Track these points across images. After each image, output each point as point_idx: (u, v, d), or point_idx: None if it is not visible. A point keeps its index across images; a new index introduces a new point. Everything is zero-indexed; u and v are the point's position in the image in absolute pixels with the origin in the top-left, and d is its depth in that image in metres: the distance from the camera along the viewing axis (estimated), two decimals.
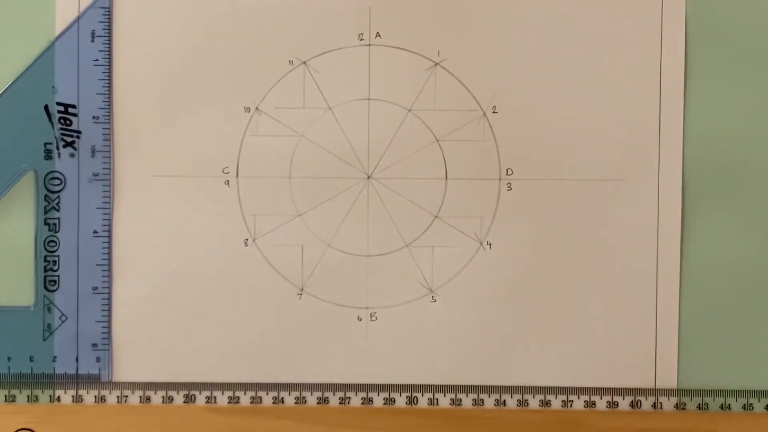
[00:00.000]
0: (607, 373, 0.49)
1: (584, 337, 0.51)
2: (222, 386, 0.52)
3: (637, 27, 0.51)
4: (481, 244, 0.52)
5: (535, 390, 0.52)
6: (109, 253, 0.51)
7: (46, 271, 0.51)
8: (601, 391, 0.52)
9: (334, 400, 0.52)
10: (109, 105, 0.51)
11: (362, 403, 0.52)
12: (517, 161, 0.51)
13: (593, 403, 0.52)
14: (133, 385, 0.52)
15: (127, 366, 0.52)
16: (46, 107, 0.51)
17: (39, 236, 0.51)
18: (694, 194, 0.51)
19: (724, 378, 0.52)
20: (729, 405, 0.51)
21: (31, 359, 0.51)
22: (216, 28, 0.51)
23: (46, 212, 0.51)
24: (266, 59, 0.51)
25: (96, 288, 0.51)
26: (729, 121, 0.51)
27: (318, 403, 0.52)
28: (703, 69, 0.51)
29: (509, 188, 0.52)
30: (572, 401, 0.52)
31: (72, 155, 0.51)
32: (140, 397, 0.52)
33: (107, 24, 0.51)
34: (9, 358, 0.51)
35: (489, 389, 0.52)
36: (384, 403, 0.52)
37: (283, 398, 0.52)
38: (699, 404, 0.51)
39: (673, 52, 0.51)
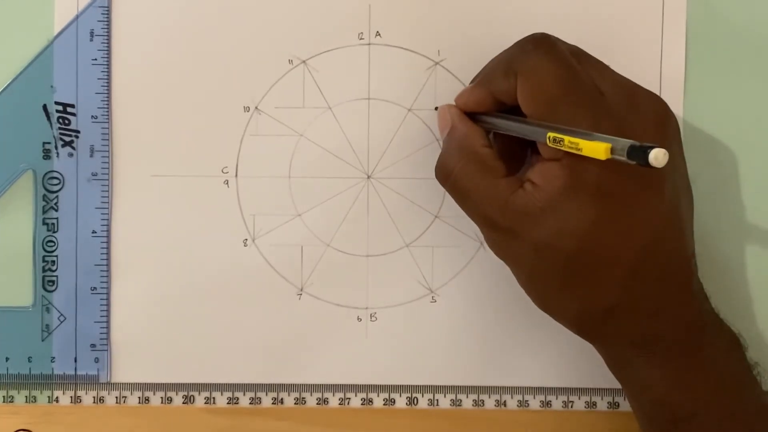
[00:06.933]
0: (607, 373, 0.49)
1: None
2: (221, 387, 0.52)
3: (638, 27, 0.51)
4: (481, 244, 0.51)
5: (535, 390, 0.52)
6: (108, 253, 0.51)
7: (44, 271, 0.51)
8: (602, 391, 0.52)
9: (333, 400, 0.52)
10: (108, 104, 0.51)
11: (362, 404, 0.52)
12: None
13: (594, 404, 0.52)
14: (132, 386, 0.52)
15: (126, 366, 0.52)
16: (44, 106, 0.50)
17: (37, 236, 0.51)
18: (695, 195, 0.51)
19: None
20: None
21: (29, 360, 0.51)
22: (215, 27, 0.51)
23: (44, 212, 0.51)
24: (266, 59, 0.51)
25: (95, 288, 0.51)
26: (729, 121, 0.51)
27: (318, 403, 0.52)
28: (703, 69, 0.51)
29: None
30: (573, 401, 0.52)
31: (71, 155, 0.51)
32: (139, 397, 0.52)
33: (106, 23, 0.51)
34: (7, 359, 0.51)
35: (489, 390, 0.52)
36: (384, 404, 0.52)
37: (282, 399, 0.52)
38: None
39: (673, 52, 0.51)
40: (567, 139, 0.41)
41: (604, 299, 0.44)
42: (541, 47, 0.44)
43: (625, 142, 0.38)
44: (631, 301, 0.44)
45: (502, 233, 0.44)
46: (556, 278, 0.44)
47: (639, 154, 0.37)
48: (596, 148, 0.39)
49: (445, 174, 0.46)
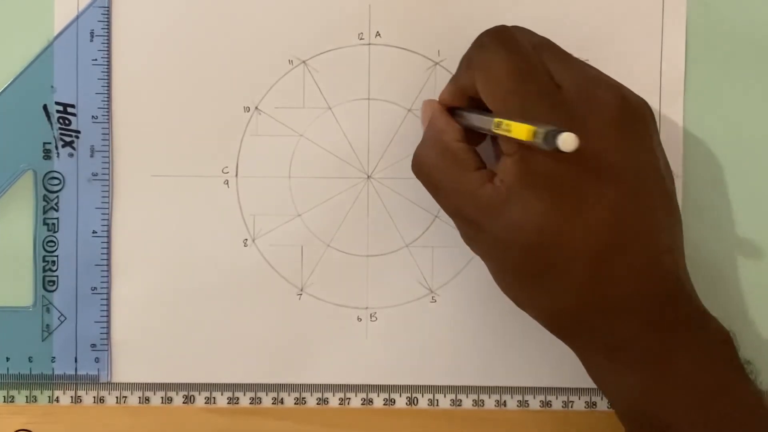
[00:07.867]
0: None
1: None
2: (221, 387, 0.52)
3: (638, 27, 0.51)
4: None
5: (535, 390, 0.52)
6: (108, 254, 0.51)
7: (45, 271, 0.51)
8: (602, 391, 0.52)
9: (333, 400, 0.52)
10: (108, 105, 0.51)
11: (362, 404, 0.52)
12: None
13: (594, 404, 0.52)
14: (133, 386, 0.52)
15: (126, 366, 0.52)
16: (45, 107, 0.50)
17: (38, 236, 0.51)
18: (694, 194, 0.51)
19: None
20: None
21: (30, 360, 0.51)
22: (216, 27, 0.51)
23: (45, 212, 0.51)
24: (266, 59, 0.51)
25: (95, 288, 0.51)
26: (729, 121, 0.51)
27: (318, 403, 0.52)
28: (703, 69, 0.51)
29: None
30: (573, 402, 0.52)
31: (71, 155, 0.51)
32: (139, 397, 0.52)
33: (106, 23, 0.51)
34: (8, 359, 0.51)
35: (489, 390, 0.52)
36: (384, 404, 0.52)
37: (282, 399, 0.52)
38: None
39: (673, 52, 0.51)
40: (504, 122, 0.41)
41: (569, 297, 0.43)
42: (495, 40, 0.44)
43: (547, 128, 0.38)
44: (598, 301, 0.43)
45: (472, 226, 0.44)
46: (517, 273, 0.44)
47: (551, 138, 0.37)
48: (521, 130, 0.39)
49: (418, 167, 0.47)
